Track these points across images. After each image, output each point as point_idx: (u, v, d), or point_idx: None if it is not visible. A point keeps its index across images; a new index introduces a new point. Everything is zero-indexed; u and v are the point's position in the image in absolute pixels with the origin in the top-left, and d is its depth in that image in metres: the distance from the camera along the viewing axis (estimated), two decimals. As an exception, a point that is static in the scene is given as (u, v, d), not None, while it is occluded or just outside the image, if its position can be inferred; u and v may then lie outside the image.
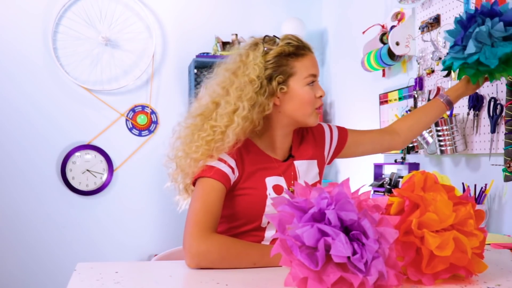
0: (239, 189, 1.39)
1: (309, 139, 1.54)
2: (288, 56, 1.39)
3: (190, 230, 1.22)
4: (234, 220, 1.42)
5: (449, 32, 1.62)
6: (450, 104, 1.67)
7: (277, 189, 1.42)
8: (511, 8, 1.51)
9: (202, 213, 1.26)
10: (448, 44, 1.71)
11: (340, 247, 0.84)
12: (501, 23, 1.47)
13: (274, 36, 1.44)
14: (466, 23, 1.56)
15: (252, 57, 1.38)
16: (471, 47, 1.50)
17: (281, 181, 1.43)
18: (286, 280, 0.89)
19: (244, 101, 1.35)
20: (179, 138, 1.42)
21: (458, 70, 1.58)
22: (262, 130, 1.43)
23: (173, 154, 1.42)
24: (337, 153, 1.61)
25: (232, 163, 1.36)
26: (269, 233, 1.42)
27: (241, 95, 1.36)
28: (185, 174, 1.39)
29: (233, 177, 1.36)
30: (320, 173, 1.55)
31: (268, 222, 1.40)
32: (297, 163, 1.48)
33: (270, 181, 1.42)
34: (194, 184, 1.36)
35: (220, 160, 1.35)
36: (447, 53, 1.62)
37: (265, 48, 1.39)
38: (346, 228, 0.89)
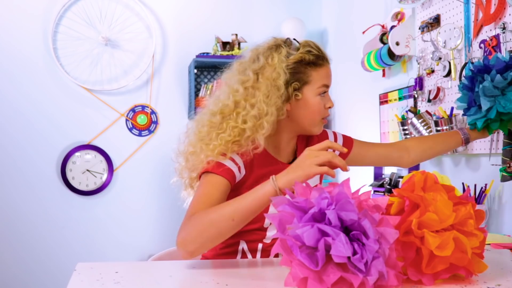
0: (245, 189, 1.38)
1: (314, 143, 1.55)
2: (307, 64, 1.40)
3: (182, 222, 1.22)
4: None
5: (459, 99, 1.70)
6: (467, 142, 1.71)
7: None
8: (496, 56, 1.59)
9: (193, 204, 1.25)
10: (447, 44, 1.72)
11: (340, 247, 0.84)
12: (498, 75, 1.55)
13: (294, 39, 1.44)
14: (470, 85, 1.65)
15: (277, 60, 1.37)
16: (485, 103, 1.58)
17: None
18: (286, 280, 0.89)
19: (271, 106, 1.35)
20: (195, 134, 1.40)
21: (484, 128, 1.67)
22: (270, 133, 1.43)
23: (185, 149, 1.41)
24: None
25: (240, 162, 1.35)
26: (271, 233, 1.42)
27: (268, 99, 1.35)
28: (194, 169, 1.37)
29: (238, 175, 1.35)
30: (321, 177, 1.56)
31: (271, 223, 1.41)
32: None
33: None
34: (200, 177, 1.35)
35: (230, 159, 1.34)
36: (467, 117, 1.70)
37: (287, 53, 1.39)
38: (346, 228, 0.89)
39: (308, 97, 1.40)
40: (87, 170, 3.40)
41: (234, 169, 1.33)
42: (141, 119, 3.46)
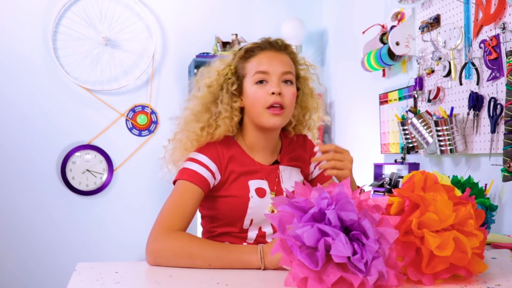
0: (222, 191, 1.41)
1: (298, 149, 1.56)
2: (241, 59, 1.46)
3: (152, 228, 1.26)
4: (216, 221, 1.44)
5: None
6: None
7: (260, 192, 1.43)
8: None
9: (168, 212, 1.29)
10: (447, 44, 1.71)
11: (340, 247, 0.84)
12: None
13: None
14: None
15: (224, 66, 1.48)
16: None
17: (263, 184, 1.44)
18: (286, 280, 0.89)
19: (225, 105, 1.44)
20: (175, 133, 1.52)
21: None
22: (243, 131, 1.48)
23: (168, 155, 1.51)
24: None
25: (213, 167, 1.39)
26: (252, 234, 1.43)
27: (219, 101, 1.45)
28: (175, 164, 1.47)
29: (213, 181, 1.39)
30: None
31: (250, 224, 1.42)
32: (281, 167, 1.50)
33: (253, 184, 1.43)
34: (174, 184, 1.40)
35: (201, 164, 1.37)
36: None
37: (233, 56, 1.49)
38: (346, 228, 0.89)
39: (246, 88, 1.44)
40: (87, 170, 3.39)
41: (207, 175, 1.37)
42: (141, 119, 3.46)
